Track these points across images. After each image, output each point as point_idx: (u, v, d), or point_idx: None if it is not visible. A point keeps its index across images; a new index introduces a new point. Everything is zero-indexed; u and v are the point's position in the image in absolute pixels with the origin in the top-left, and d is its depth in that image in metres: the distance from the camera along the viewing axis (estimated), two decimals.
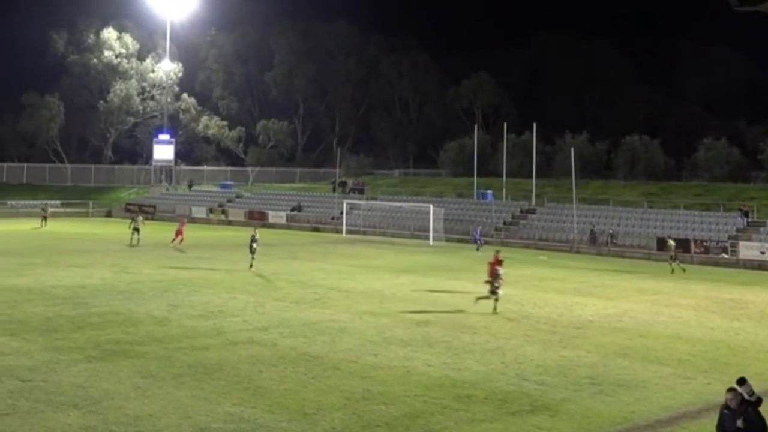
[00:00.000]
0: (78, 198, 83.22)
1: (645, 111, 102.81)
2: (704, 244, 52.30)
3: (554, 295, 33.82)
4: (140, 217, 54.62)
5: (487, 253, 51.53)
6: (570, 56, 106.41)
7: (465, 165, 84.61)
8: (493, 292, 28.07)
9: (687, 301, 32.13)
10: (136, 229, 50.90)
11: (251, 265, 38.92)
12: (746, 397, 11.36)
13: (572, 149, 64.11)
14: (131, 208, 77.91)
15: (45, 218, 65.70)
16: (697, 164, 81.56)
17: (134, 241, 50.28)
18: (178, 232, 49.54)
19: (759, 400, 11.45)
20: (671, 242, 46.34)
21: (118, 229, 59.10)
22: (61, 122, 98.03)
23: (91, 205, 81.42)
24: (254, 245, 39.63)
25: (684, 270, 43.32)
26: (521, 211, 65.23)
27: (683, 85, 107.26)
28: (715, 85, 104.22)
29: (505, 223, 63.36)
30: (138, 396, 16.81)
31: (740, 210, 56.14)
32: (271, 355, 20.89)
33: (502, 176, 69.80)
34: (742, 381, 11.59)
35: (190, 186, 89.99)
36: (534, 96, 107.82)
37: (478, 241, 54.97)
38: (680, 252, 47.10)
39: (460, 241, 58.05)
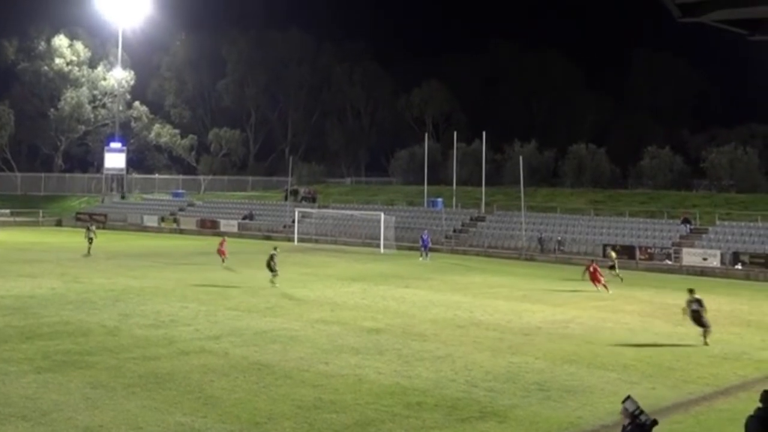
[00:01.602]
0: (28, 207, 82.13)
1: (592, 119, 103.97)
2: (649, 250, 53.22)
3: (503, 302, 34.23)
4: (93, 227, 54.23)
5: (436, 262, 52.43)
6: (520, 65, 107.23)
7: (416, 173, 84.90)
8: (702, 324, 25.67)
9: (632, 308, 32.68)
10: (90, 239, 50.55)
11: (274, 283, 36.94)
12: (641, 418, 11.04)
13: (521, 157, 64.54)
14: (82, 217, 77.12)
15: None
16: (641, 172, 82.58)
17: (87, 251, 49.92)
18: (221, 252, 46.31)
19: (647, 423, 11.02)
20: (613, 253, 45.38)
21: (69, 238, 58.59)
22: (11, 130, 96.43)
23: (41, 214, 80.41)
24: (272, 263, 37.28)
25: (622, 279, 41.74)
26: (471, 219, 65.74)
27: (629, 93, 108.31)
28: (660, 93, 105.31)
29: (455, 231, 63.84)
30: (88, 407, 16.78)
31: (681, 220, 56.69)
32: (223, 364, 20.94)
33: (452, 184, 70.30)
34: (625, 399, 11.43)
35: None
36: (484, 104, 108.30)
37: (425, 248, 54.62)
38: (624, 259, 47.31)
39: (410, 249, 58.29)
